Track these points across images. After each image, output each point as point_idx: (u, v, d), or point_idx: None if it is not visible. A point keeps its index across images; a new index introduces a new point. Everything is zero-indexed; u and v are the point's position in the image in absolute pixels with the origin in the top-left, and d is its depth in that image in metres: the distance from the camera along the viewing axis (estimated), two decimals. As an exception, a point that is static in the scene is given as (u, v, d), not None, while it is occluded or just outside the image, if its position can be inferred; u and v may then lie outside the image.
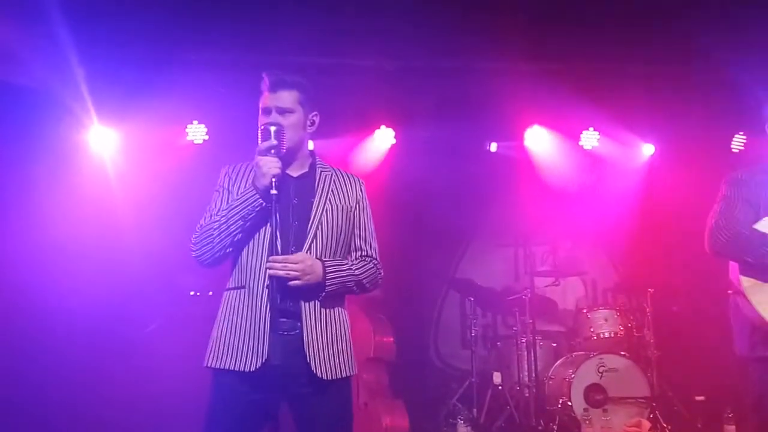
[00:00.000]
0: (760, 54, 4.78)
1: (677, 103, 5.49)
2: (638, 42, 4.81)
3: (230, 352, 2.44)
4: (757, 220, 2.73)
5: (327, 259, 2.50)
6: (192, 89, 4.92)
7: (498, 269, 6.58)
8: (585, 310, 5.67)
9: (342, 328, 2.55)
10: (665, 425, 5.01)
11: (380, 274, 2.66)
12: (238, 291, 2.51)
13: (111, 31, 4.50)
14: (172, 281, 5.07)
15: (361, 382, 4.58)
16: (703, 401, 5.44)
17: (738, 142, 5.97)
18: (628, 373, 5.11)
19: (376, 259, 2.65)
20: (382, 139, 5.90)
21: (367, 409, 4.54)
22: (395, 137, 5.88)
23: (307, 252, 2.48)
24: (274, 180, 2.40)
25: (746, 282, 2.69)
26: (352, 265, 2.57)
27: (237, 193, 2.52)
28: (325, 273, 2.46)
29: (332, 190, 2.59)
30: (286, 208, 2.50)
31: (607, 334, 5.48)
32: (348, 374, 2.53)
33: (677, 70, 5.29)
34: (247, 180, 2.53)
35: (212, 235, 2.48)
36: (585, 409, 5.00)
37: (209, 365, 2.49)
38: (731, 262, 2.77)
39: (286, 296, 2.42)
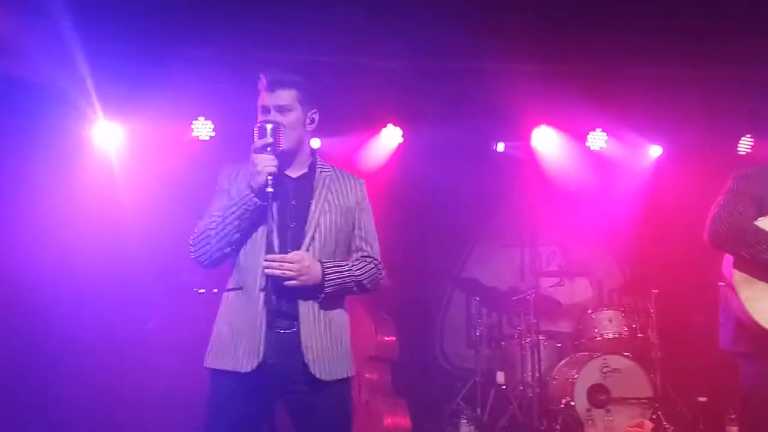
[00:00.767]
0: None
1: (685, 105, 5.47)
2: (646, 43, 4.78)
3: (227, 353, 2.45)
4: (759, 216, 2.73)
5: (326, 260, 2.49)
6: (198, 85, 4.93)
7: (503, 269, 6.58)
8: (590, 311, 5.66)
9: (341, 329, 2.54)
10: (668, 426, 5.01)
11: (381, 274, 2.65)
12: (236, 292, 2.51)
13: (117, 26, 4.49)
14: (177, 278, 5.06)
15: (362, 381, 4.59)
16: (706, 402, 5.43)
17: (745, 144, 5.95)
18: (631, 373, 5.11)
19: (376, 259, 2.63)
20: (390, 138, 5.89)
21: (368, 407, 4.54)
22: (402, 136, 5.88)
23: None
24: (270, 178, 2.39)
25: (738, 275, 2.70)
26: (352, 265, 2.56)
27: (234, 192, 2.51)
28: (323, 274, 2.45)
29: (331, 191, 2.58)
30: (285, 209, 2.50)
31: (611, 335, 5.47)
32: (345, 376, 2.52)
33: (685, 71, 5.27)
34: (246, 180, 2.52)
35: (210, 235, 2.47)
36: (588, 410, 5.00)
37: (208, 366, 2.50)
38: (726, 255, 2.77)
39: (283, 296, 2.42)
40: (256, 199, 2.42)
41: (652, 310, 5.47)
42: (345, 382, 2.53)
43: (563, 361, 5.50)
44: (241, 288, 2.49)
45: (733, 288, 2.70)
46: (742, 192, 2.79)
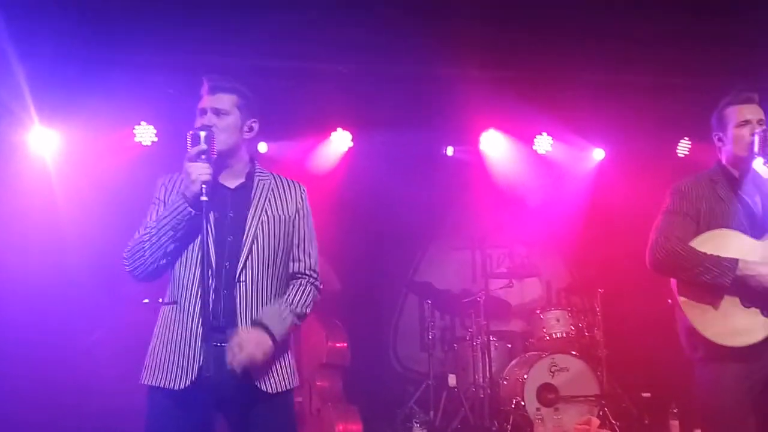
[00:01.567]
0: (707, 60, 4.93)
1: (626, 109, 5.61)
2: (590, 49, 4.89)
3: (162, 369, 2.39)
4: (697, 233, 2.80)
5: (264, 318, 2.40)
6: (141, 90, 4.81)
7: (455, 272, 6.63)
8: (538, 311, 5.76)
9: (282, 340, 2.48)
10: (614, 422, 5.12)
11: (318, 292, 2.61)
12: (172, 307, 2.44)
13: (54, 28, 4.34)
14: (122, 288, 4.92)
15: (314, 389, 4.55)
16: (650, 398, 5.59)
17: (683, 147, 6.14)
18: (578, 372, 5.21)
19: (314, 273, 2.59)
20: (339, 142, 5.87)
21: (320, 415, 4.51)
22: (352, 140, 5.86)
23: (241, 271, 2.41)
24: (204, 186, 2.33)
25: (682, 299, 2.79)
26: (291, 303, 2.49)
27: (170, 203, 2.45)
28: (270, 335, 2.38)
29: (269, 200, 2.53)
30: (222, 221, 2.45)
31: (559, 334, 5.57)
32: (288, 387, 2.48)
33: (627, 77, 5.40)
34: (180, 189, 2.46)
35: (144, 247, 2.40)
36: (537, 409, 5.08)
37: (143, 382, 2.45)
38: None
39: (223, 314, 2.38)
40: (190, 209, 2.36)
41: (598, 309, 5.60)
42: (287, 393, 2.49)
43: (513, 362, 5.57)
44: (176, 302, 2.43)
45: (680, 307, 2.79)
46: (678, 213, 2.85)
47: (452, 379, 5.65)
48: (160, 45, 4.70)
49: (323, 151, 5.87)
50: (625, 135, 6.00)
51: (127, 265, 2.45)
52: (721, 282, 2.68)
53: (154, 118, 5.36)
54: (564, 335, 5.56)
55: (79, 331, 4.90)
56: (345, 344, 4.89)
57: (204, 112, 2.50)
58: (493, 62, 5.11)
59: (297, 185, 2.63)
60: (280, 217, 2.53)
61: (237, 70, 4.90)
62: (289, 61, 5.07)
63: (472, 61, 5.07)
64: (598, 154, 6.29)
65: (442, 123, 5.80)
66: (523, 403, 5.09)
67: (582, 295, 6.22)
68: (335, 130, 5.82)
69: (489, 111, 5.67)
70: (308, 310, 2.55)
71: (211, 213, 2.39)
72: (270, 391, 2.40)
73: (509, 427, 5.15)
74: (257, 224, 2.48)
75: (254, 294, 2.43)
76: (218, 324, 2.36)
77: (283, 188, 2.59)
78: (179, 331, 2.39)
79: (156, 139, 5.39)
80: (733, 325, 2.70)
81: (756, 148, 2.78)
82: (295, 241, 2.56)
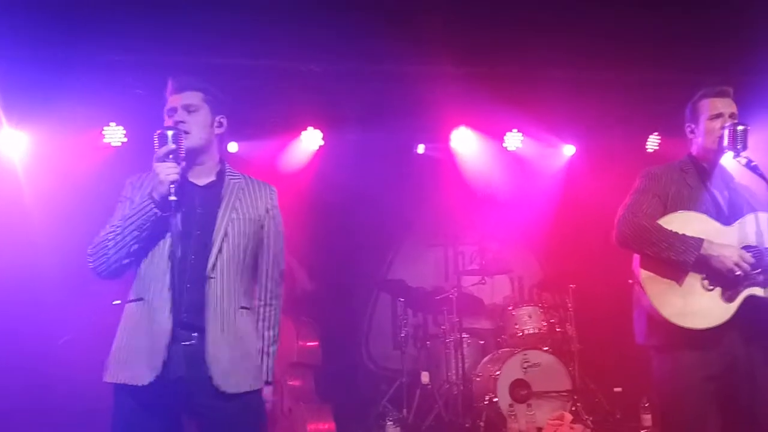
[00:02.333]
0: (677, 56, 5.01)
1: (596, 106, 5.68)
2: (560, 46, 4.93)
3: (126, 366, 2.37)
4: (664, 214, 2.83)
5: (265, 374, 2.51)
6: (109, 91, 4.77)
7: (428, 270, 6.66)
8: (510, 308, 5.79)
9: (251, 340, 2.50)
10: (586, 417, 5.17)
11: (280, 304, 2.63)
12: (136, 303, 2.43)
13: (21, 29, 4.28)
14: (91, 290, 4.86)
15: (285, 388, 4.54)
16: (621, 392, 5.65)
17: (653, 142, 6.22)
18: (550, 367, 5.25)
19: (274, 300, 2.60)
20: (310, 141, 5.86)
21: (291, 415, 4.50)
22: (323, 139, 5.85)
23: (213, 267, 2.41)
24: (172, 186, 2.33)
25: (644, 274, 2.79)
26: (264, 343, 2.54)
27: (137, 202, 2.44)
28: (267, 384, 2.50)
29: (239, 199, 2.54)
30: (189, 217, 2.44)
31: (531, 330, 5.61)
32: (256, 388, 2.48)
33: (597, 73, 5.46)
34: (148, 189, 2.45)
35: (108, 246, 2.39)
36: (510, 405, 5.11)
37: (107, 380, 2.42)
38: (635, 254, 2.86)
39: (189, 308, 2.37)
40: (156, 210, 2.36)
41: (569, 305, 5.65)
42: (255, 393, 2.48)
43: (486, 358, 5.60)
44: (141, 299, 2.42)
45: (641, 285, 2.79)
46: (647, 192, 2.88)
47: (425, 377, 5.67)
48: (130, 45, 4.67)
49: (294, 150, 5.87)
50: (596, 131, 6.07)
51: (91, 263, 2.45)
52: (685, 259, 2.69)
53: (124, 118, 5.34)
54: (536, 331, 5.60)
55: (49, 332, 4.84)
56: (316, 343, 4.89)
57: (174, 110, 2.50)
58: (463, 60, 5.13)
59: (267, 186, 2.64)
60: (249, 216, 2.53)
61: (206, 70, 4.89)
62: (259, 60, 5.06)
63: (442, 59, 5.09)
64: (569, 150, 6.35)
65: (412, 121, 5.82)
66: (496, 400, 5.12)
67: (554, 291, 6.26)
68: (306, 128, 5.82)
69: (459, 108, 5.70)
70: (277, 332, 2.60)
71: (179, 210, 2.38)
72: (233, 391, 2.38)
73: (482, 423, 5.17)
74: (228, 222, 2.48)
75: (224, 291, 2.43)
76: (183, 319, 2.35)
77: (254, 189, 2.60)
78: (145, 329, 2.37)
79: (125, 140, 5.38)
80: (692, 306, 2.70)
81: (725, 142, 2.81)
82: (263, 246, 2.57)
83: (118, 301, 4.77)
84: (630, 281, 2.93)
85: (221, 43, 4.69)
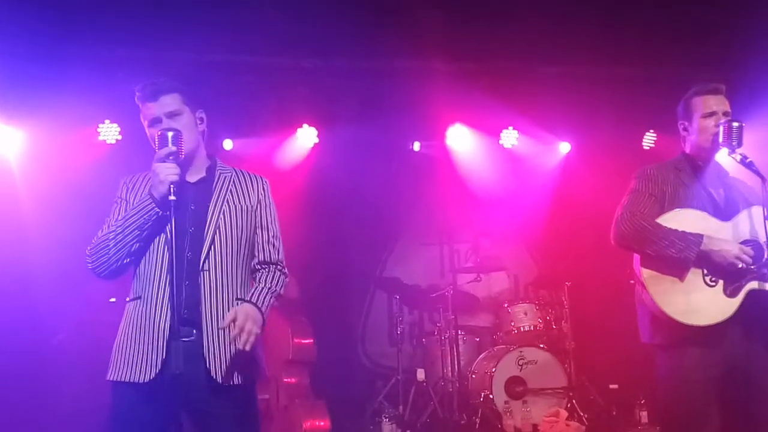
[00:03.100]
0: (673, 52, 5.02)
1: (592, 103, 5.69)
2: (556, 42, 4.95)
3: (126, 363, 2.39)
4: (661, 213, 2.83)
5: (252, 297, 2.45)
6: (104, 88, 4.75)
7: (423, 267, 6.66)
8: (506, 305, 5.79)
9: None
10: (582, 413, 5.18)
11: (286, 278, 2.62)
12: (136, 302, 2.45)
13: (16, 26, 4.27)
14: (87, 287, 4.85)
15: (281, 385, 4.55)
16: (617, 389, 5.67)
17: (648, 139, 6.22)
18: (546, 364, 5.26)
19: (281, 262, 2.61)
20: (305, 138, 5.85)
21: (287, 411, 4.51)
22: (318, 136, 5.84)
23: (205, 260, 2.42)
24: (172, 187, 2.35)
25: (646, 273, 2.79)
26: (267, 283, 2.52)
27: (134, 202, 2.46)
28: (258, 308, 2.42)
29: (231, 191, 2.55)
30: (183, 214, 2.45)
31: (526, 328, 5.61)
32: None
33: (593, 70, 5.47)
34: (145, 189, 2.46)
35: (108, 246, 2.41)
36: (506, 402, 5.12)
37: (109, 378, 2.44)
38: (635, 254, 2.87)
39: (187, 305, 2.38)
40: (158, 210, 2.38)
41: (565, 302, 5.66)
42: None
43: (482, 355, 5.61)
44: (140, 298, 2.44)
45: (643, 285, 2.80)
46: (644, 192, 2.88)
47: (421, 374, 5.67)
48: (125, 41, 4.65)
49: (289, 148, 5.85)
50: (591, 128, 6.08)
51: (90, 263, 2.46)
52: (686, 256, 2.69)
53: (119, 116, 5.32)
54: (532, 328, 5.60)
55: (44, 330, 4.83)
56: (311, 340, 4.89)
57: (158, 120, 2.47)
58: (458, 56, 5.14)
59: (259, 177, 2.65)
60: (242, 207, 2.54)
61: (201, 66, 4.90)
62: (254, 57, 5.06)
63: (438, 56, 5.10)
64: (564, 147, 6.35)
65: (408, 118, 5.82)
66: (491, 397, 5.13)
67: (549, 288, 6.28)
68: (301, 126, 5.80)
69: (455, 106, 5.70)
70: (283, 291, 2.58)
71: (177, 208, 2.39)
72: (227, 383, 2.39)
73: (478, 420, 5.18)
74: (219, 214, 2.49)
75: (218, 283, 2.45)
76: (182, 316, 2.36)
77: (245, 180, 2.61)
78: (145, 326, 2.39)
79: (120, 138, 5.35)
80: (695, 303, 2.71)
81: (720, 139, 2.81)
82: (260, 232, 2.58)
83: (114, 299, 4.82)
84: (631, 281, 2.94)
85: (216, 40, 4.69)
